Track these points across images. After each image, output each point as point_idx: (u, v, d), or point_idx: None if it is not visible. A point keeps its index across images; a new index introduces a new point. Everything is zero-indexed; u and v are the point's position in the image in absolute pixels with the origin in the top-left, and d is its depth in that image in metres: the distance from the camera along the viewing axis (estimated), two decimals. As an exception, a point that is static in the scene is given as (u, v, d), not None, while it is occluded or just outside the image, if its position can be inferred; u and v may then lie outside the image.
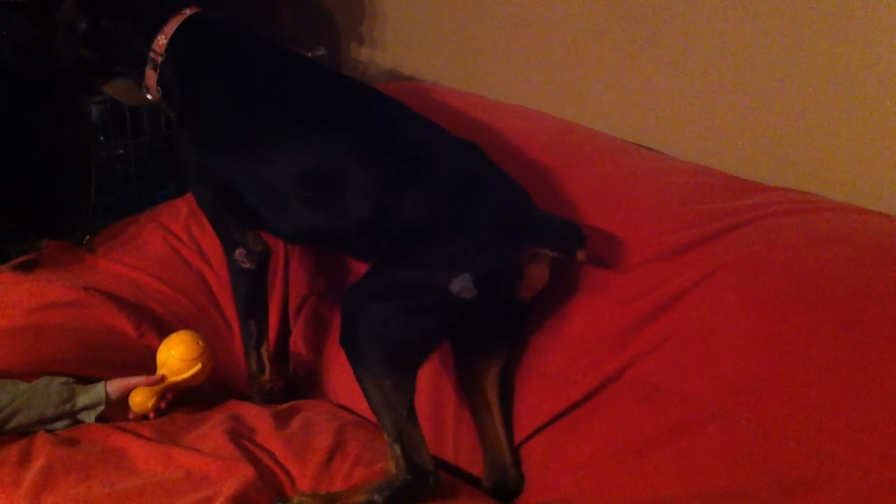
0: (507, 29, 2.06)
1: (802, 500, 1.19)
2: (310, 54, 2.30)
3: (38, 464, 1.44)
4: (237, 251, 1.66)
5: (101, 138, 2.29)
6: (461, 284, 1.34)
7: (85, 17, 1.60)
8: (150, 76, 1.62)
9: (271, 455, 1.51)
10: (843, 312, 1.27)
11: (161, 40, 1.60)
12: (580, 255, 1.40)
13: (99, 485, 1.41)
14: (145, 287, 1.87)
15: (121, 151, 2.39)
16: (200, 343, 1.66)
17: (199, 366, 1.64)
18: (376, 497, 1.35)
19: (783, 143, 1.64)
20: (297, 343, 1.90)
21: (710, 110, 1.73)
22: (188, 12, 1.63)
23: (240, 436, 1.55)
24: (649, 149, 1.78)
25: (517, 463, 1.51)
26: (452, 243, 1.38)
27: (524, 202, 1.46)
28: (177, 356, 1.64)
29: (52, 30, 1.64)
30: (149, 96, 1.65)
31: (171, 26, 1.60)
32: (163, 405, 1.63)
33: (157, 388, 1.61)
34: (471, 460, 1.56)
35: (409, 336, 1.37)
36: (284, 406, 1.71)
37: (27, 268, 1.84)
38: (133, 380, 1.61)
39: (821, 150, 1.59)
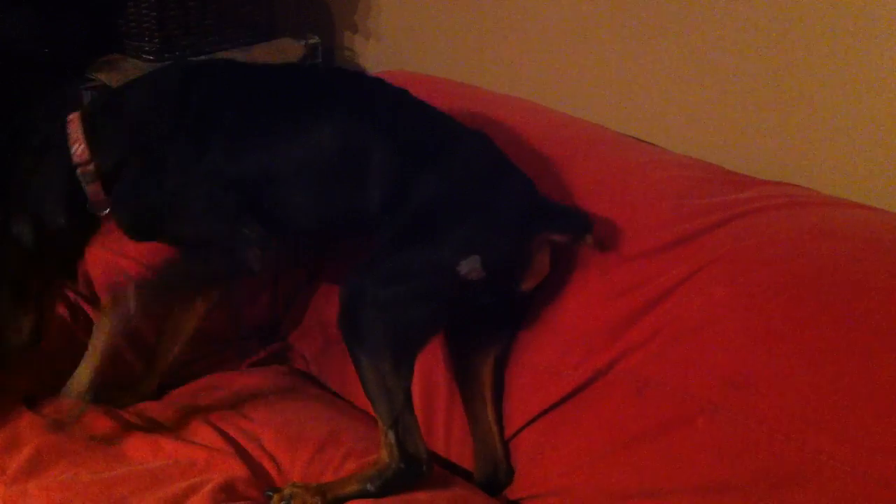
0: (503, 19, 2.05)
1: (791, 494, 1.20)
2: (303, 42, 2.30)
3: (26, 451, 1.44)
4: (251, 252, 1.46)
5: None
6: (470, 266, 1.34)
7: None
8: (95, 190, 1.47)
9: (262, 444, 1.51)
10: (835, 307, 1.27)
11: (79, 149, 1.45)
12: (589, 239, 1.44)
13: (87, 472, 1.40)
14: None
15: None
16: None
17: None
18: (369, 486, 1.35)
19: (778, 136, 1.64)
20: (291, 332, 1.90)
21: (707, 103, 1.72)
22: (79, 112, 1.49)
23: (231, 424, 1.55)
24: (645, 142, 1.78)
25: (508, 456, 1.51)
26: (466, 225, 1.39)
27: (533, 191, 1.48)
28: None
29: None
30: (101, 214, 1.50)
31: (78, 128, 1.46)
32: None
33: None
34: (461, 454, 1.56)
35: (415, 320, 1.36)
36: (277, 394, 1.70)
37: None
38: None
39: (815, 144, 1.59)
